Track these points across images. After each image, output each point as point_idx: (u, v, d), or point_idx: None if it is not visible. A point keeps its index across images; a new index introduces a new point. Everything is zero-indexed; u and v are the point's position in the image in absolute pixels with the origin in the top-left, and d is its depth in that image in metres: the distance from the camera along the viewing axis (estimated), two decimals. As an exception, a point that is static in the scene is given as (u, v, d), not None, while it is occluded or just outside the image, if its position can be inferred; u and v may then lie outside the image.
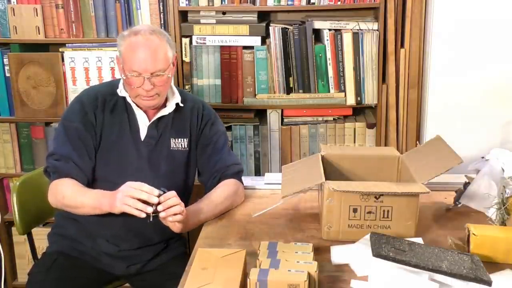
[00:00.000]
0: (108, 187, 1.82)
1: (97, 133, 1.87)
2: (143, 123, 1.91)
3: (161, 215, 1.64)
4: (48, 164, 1.86)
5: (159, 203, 1.62)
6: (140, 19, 2.56)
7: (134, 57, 1.79)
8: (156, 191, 1.63)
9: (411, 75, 2.52)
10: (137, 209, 1.62)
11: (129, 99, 1.88)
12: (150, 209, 1.63)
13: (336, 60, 2.54)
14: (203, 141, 1.98)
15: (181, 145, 1.95)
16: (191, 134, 1.97)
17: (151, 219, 1.64)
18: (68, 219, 1.91)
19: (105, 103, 1.89)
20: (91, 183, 1.87)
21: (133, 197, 1.62)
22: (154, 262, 1.95)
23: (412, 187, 1.64)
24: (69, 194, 1.79)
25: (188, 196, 2.03)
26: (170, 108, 1.92)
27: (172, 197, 1.65)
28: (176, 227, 1.72)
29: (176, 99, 1.93)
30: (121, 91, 1.89)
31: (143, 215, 1.62)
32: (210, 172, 1.96)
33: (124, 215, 1.68)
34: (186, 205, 2.01)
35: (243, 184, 2.00)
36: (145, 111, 1.90)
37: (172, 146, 1.94)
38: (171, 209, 1.64)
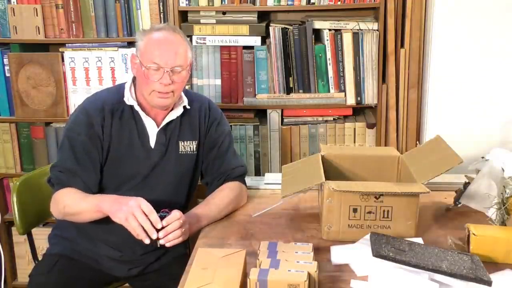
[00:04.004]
0: None
1: (104, 147, 1.85)
2: (152, 130, 1.89)
3: (161, 242, 1.64)
4: (52, 175, 1.85)
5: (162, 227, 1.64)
6: (140, 19, 2.56)
7: (156, 49, 1.79)
8: (160, 224, 1.62)
9: (411, 75, 2.51)
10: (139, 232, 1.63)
11: (137, 107, 1.86)
12: (155, 235, 1.62)
13: (336, 60, 2.54)
14: (208, 143, 1.97)
15: (190, 148, 1.94)
16: (200, 136, 1.96)
17: (158, 245, 1.64)
18: (68, 221, 1.90)
19: (113, 113, 1.86)
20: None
21: (137, 220, 1.62)
22: (156, 264, 1.95)
23: (412, 187, 1.64)
24: (70, 203, 1.78)
25: (190, 197, 2.03)
26: (178, 111, 1.90)
27: (174, 220, 1.65)
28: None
29: (183, 102, 1.92)
30: (128, 99, 1.86)
31: (148, 241, 1.62)
32: (214, 175, 1.96)
33: None
34: (187, 205, 2.02)
35: (246, 186, 2.00)
36: (153, 118, 1.89)
37: (180, 149, 1.93)
38: (171, 235, 1.64)
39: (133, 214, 1.61)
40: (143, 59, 1.80)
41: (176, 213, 1.67)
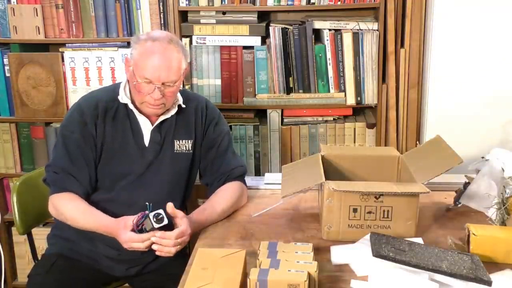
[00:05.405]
0: (111, 195, 1.84)
1: (98, 145, 1.85)
2: (146, 128, 1.89)
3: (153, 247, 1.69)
4: (47, 176, 1.87)
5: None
6: (140, 19, 2.55)
7: (148, 64, 1.76)
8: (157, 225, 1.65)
9: (411, 75, 2.51)
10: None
11: (131, 106, 1.86)
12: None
13: (336, 60, 2.54)
14: (206, 143, 1.97)
15: (185, 147, 1.94)
16: (196, 136, 1.95)
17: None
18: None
19: (106, 112, 1.86)
20: (91, 194, 1.87)
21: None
22: (154, 263, 1.95)
23: (412, 187, 1.64)
24: (69, 217, 1.82)
25: (188, 196, 2.03)
26: (172, 111, 1.90)
27: (168, 239, 1.68)
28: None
29: (178, 101, 1.91)
30: (122, 98, 1.86)
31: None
32: (214, 175, 1.95)
33: None
34: (184, 204, 2.02)
35: (246, 185, 2.00)
36: (147, 116, 1.88)
37: (176, 148, 1.92)
38: (166, 248, 1.68)
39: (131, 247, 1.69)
40: (135, 70, 1.79)
41: (172, 234, 1.67)
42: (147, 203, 1.66)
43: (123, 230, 1.68)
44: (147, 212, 1.65)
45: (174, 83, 1.79)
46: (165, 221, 1.64)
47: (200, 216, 1.81)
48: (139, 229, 1.66)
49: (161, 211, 1.65)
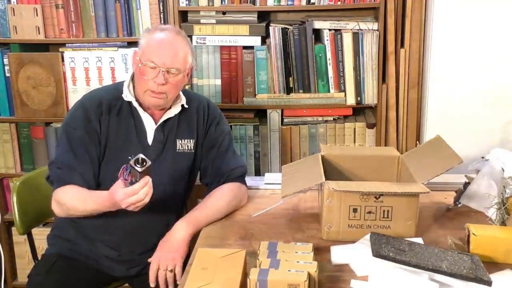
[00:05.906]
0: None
1: (102, 142, 1.85)
2: (150, 127, 1.89)
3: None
4: (50, 173, 1.86)
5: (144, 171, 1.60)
6: (140, 19, 2.56)
7: (156, 48, 1.79)
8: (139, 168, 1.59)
9: (411, 75, 2.51)
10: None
11: (135, 103, 1.86)
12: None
13: (336, 60, 2.54)
14: (207, 143, 1.97)
15: (187, 146, 1.94)
16: (198, 136, 1.95)
17: None
18: (67, 222, 1.90)
19: (110, 109, 1.86)
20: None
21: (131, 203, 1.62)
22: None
23: (412, 187, 1.64)
24: (70, 206, 1.79)
25: (188, 195, 2.03)
26: (176, 110, 1.90)
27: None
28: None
29: (181, 100, 1.92)
30: (126, 96, 1.86)
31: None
32: (214, 176, 1.95)
33: (124, 222, 1.74)
34: (185, 204, 2.01)
35: (246, 186, 2.00)
36: (151, 115, 1.89)
37: (178, 148, 1.92)
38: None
39: (130, 205, 1.62)
40: (142, 56, 1.81)
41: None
42: (129, 157, 1.60)
43: (116, 193, 1.63)
44: (128, 163, 1.59)
45: (178, 71, 1.80)
46: (149, 162, 1.58)
47: (192, 213, 1.81)
48: (130, 182, 1.60)
49: (139, 154, 1.58)
